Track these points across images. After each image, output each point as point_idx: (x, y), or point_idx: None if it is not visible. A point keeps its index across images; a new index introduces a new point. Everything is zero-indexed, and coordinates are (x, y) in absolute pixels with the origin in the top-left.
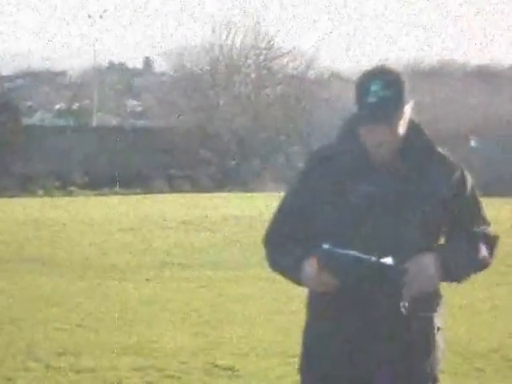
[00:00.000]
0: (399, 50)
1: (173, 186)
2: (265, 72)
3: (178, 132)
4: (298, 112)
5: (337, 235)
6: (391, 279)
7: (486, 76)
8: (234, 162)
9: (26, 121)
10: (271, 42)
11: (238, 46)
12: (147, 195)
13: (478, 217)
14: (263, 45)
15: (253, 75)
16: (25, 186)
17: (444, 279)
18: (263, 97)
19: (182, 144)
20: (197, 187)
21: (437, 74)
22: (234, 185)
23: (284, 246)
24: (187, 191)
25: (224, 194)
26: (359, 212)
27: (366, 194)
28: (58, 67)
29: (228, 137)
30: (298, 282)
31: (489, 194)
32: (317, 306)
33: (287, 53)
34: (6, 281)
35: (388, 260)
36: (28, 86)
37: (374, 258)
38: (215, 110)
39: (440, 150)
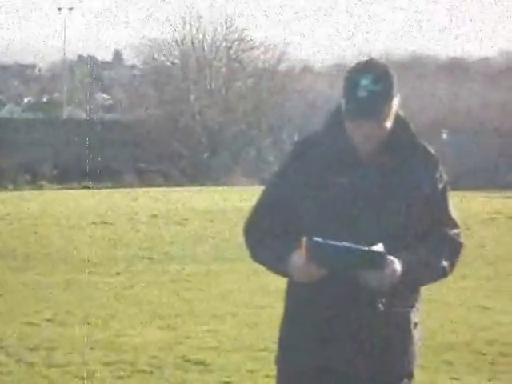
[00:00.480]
0: (371, 42)
1: (143, 180)
2: (236, 65)
3: (148, 125)
4: (269, 105)
5: (319, 227)
6: (375, 266)
7: (456, 69)
8: (205, 156)
9: None
10: (242, 35)
11: (209, 39)
12: (117, 189)
13: (448, 216)
14: (235, 36)
15: (224, 69)
16: None
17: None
18: (234, 90)
19: (153, 137)
20: (168, 181)
21: (408, 67)
22: (206, 179)
23: (266, 236)
24: (158, 185)
25: (195, 188)
26: (342, 205)
27: (351, 187)
28: (27, 60)
29: (199, 130)
30: (283, 272)
31: (461, 187)
32: (295, 300)
33: (258, 45)
34: None
35: (379, 247)
36: None
37: (364, 248)
38: (186, 104)
39: (424, 143)
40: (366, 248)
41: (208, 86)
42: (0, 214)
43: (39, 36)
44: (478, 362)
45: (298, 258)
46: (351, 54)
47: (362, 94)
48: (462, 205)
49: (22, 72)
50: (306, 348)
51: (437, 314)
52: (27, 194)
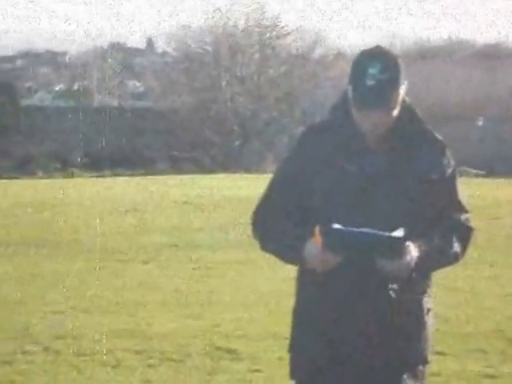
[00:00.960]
0: (405, 28)
1: (175, 168)
2: (269, 52)
3: (180, 113)
4: (301, 92)
5: (329, 214)
6: (399, 251)
7: (492, 55)
8: (237, 143)
9: (25, 102)
10: (275, 21)
11: (241, 25)
12: (149, 176)
13: (457, 201)
14: (267, 23)
15: (256, 55)
16: (24, 167)
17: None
18: (267, 77)
19: (185, 125)
20: (200, 168)
21: (445, 53)
22: (238, 166)
23: (276, 225)
24: (189, 172)
25: (226, 175)
26: (351, 192)
27: (359, 173)
28: (59, 47)
29: (231, 118)
30: (295, 261)
31: (496, 174)
32: (307, 289)
33: (291, 32)
34: (5, 264)
35: (399, 232)
36: (28, 67)
37: (384, 233)
38: (218, 91)
39: (431, 129)
40: (386, 234)
41: (240, 73)
42: (30, 201)
43: (71, 23)
44: (510, 349)
45: (313, 246)
46: (385, 40)
47: (370, 82)
48: (493, 192)
49: (52, 59)
50: (318, 337)
51: (468, 302)
52: (57, 181)
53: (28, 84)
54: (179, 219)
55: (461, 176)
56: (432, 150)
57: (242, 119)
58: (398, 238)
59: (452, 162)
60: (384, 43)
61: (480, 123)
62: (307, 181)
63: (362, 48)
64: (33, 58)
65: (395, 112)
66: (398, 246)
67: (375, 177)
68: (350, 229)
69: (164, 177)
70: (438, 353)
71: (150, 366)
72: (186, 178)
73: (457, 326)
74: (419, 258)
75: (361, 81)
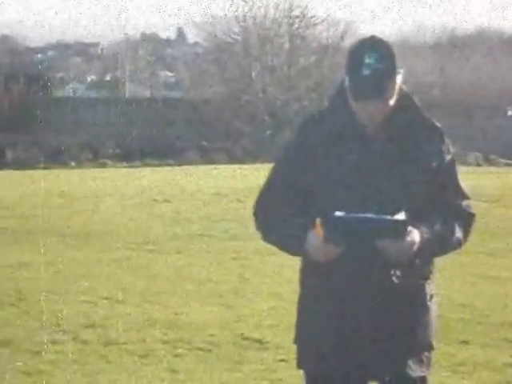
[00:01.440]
0: (433, 18)
1: (206, 158)
2: (298, 42)
3: (211, 103)
4: (331, 82)
5: (329, 203)
6: (401, 233)
7: None
8: (267, 133)
9: (57, 92)
10: (305, 11)
11: (270, 15)
12: (180, 167)
13: (458, 188)
14: (297, 13)
15: (286, 45)
16: (57, 158)
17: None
18: (297, 67)
19: (216, 115)
20: (230, 159)
21: (473, 42)
22: (268, 156)
23: (276, 216)
24: (220, 162)
25: (257, 166)
26: (351, 181)
27: (358, 162)
28: (90, 38)
29: (261, 108)
30: (296, 252)
31: None
32: (311, 277)
33: (321, 22)
34: (36, 253)
35: (401, 215)
36: (59, 58)
37: (386, 216)
38: (249, 81)
39: (429, 117)
40: (388, 217)
41: (270, 63)
42: (62, 191)
43: (102, 14)
44: None
45: (314, 237)
46: (414, 30)
47: (366, 72)
48: None
49: (84, 50)
50: (322, 326)
51: (495, 291)
52: (89, 171)
53: (60, 75)
54: (211, 209)
55: (491, 165)
56: (430, 138)
57: (273, 109)
58: (401, 221)
59: (451, 149)
60: (413, 32)
61: (510, 113)
62: (307, 170)
63: (390, 38)
64: (64, 48)
65: (392, 101)
66: (400, 229)
67: (374, 165)
68: (352, 215)
69: (195, 167)
70: (464, 342)
71: (177, 355)
72: (216, 168)
73: (483, 315)
74: (421, 242)
75: (357, 71)
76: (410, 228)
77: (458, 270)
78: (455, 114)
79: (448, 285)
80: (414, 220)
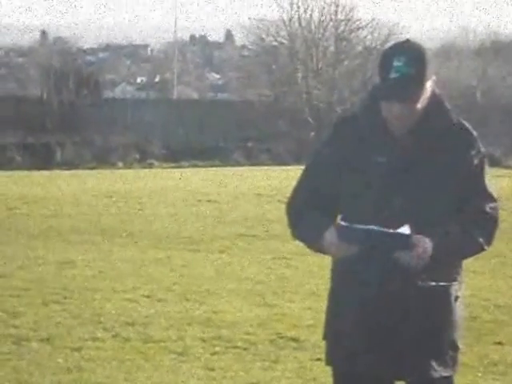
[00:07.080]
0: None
1: (251, 159)
2: (343, 45)
3: (257, 105)
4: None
5: (358, 205)
6: (402, 247)
7: None
8: (311, 135)
9: (107, 94)
10: (350, 14)
11: (316, 18)
12: (225, 167)
13: (484, 191)
14: (342, 16)
15: (331, 48)
16: (105, 158)
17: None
18: (342, 70)
19: (261, 117)
20: (274, 160)
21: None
22: None
23: (306, 215)
24: (265, 164)
25: (300, 167)
26: (380, 184)
27: (387, 164)
28: (140, 41)
29: (306, 110)
30: (320, 249)
31: None
32: (338, 278)
33: (366, 25)
34: (82, 252)
35: (405, 229)
36: (110, 60)
37: (389, 230)
38: (294, 84)
39: (461, 120)
40: (391, 230)
41: (315, 66)
42: (108, 191)
43: (152, 17)
44: None
45: (330, 234)
46: (455, 34)
47: (394, 75)
48: None
49: (134, 52)
50: (348, 324)
51: None
52: (136, 172)
53: (110, 76)
54: (254, 210)
55: None
56: (459, 142)
57: (317, 111)
58: (403, 235)
59: (481, 153)
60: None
61: None
62: (338, 171)
63: (434, 42)
64: (115, 50)
65: (419, 105)
66: (403, 242)
67: (402, 168)
68: (355, 226)
69: (240, 168)
70: (497, 343)
71: (214, 353)
72: (260, 169)
73: None
74: (435, 248)
75: (386, 73)
76: (418, 237)
77: (493, 272)
78: (499, 118)
79: (483, 286)
80: (435, 224)
